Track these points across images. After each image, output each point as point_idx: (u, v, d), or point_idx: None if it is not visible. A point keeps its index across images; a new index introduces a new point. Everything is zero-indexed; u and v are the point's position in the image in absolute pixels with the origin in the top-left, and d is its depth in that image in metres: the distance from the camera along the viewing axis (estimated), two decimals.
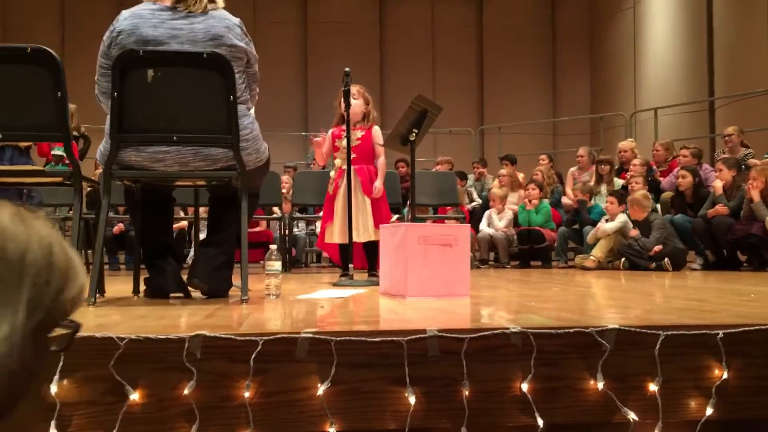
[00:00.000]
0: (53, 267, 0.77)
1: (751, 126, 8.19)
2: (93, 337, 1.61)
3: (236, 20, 2.74)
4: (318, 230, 6.12)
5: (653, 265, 6.05)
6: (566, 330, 1.72)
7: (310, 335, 1.66)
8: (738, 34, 9.91)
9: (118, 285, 3.82)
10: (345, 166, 4.28)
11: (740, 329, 1.73)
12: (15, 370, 0.70)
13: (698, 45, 10.98)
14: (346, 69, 4.03)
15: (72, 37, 12.28)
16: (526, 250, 7.46)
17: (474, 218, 8.34)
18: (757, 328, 1.74)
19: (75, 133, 7.71)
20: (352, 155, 4.28)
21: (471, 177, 9.39)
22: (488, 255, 7.80)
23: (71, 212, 6.54)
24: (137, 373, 1.63)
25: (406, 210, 6.76)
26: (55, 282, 0.77)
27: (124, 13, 2.67)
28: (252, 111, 3.11)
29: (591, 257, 6.50)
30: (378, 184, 4.53)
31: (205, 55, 2.55)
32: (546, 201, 7.79)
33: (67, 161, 3.51)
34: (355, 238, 4.27)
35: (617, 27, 13.06)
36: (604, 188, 7.55)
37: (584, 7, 14.28)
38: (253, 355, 1.62)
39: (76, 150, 7.46)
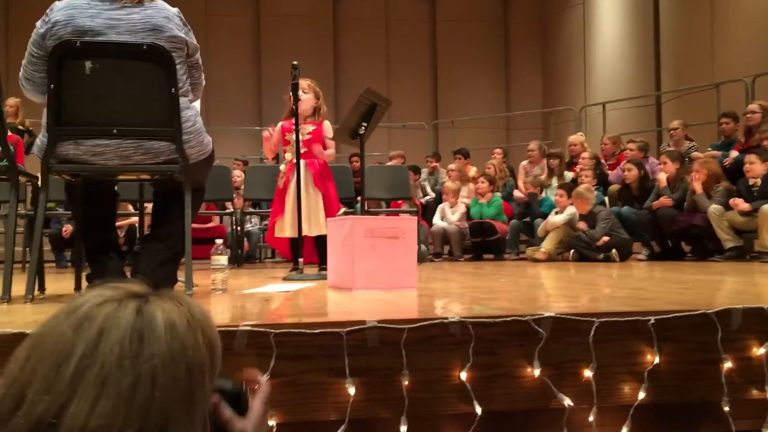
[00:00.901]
0: (215, 363, 0.82)
1: (696, 120, 8.43)
2: (23, 333, 1.57)
3: (174, 10, 2.69)
4: None
5: (601, 256, 6.18)
6: (504, 319, 1.74)
7: (249, 328, 1.65)
8: (683, 30, 10.16)
9: (62, 282, 3.73)
10: (296, 160, 4.25)
11: (671, 315, 1.79)
12: None
13: (645, 41, 11.24)
14: (294, 62, 4.00)
15: (15, 29, 11.91)
16: (479, 242, 7.54)
17: (427, 212, 8.39)
18: (687, 314, 1.80)
19: (20, 128, 7.50)
20: (303, 149, 4.26)
21: (425, 171, 9.44)
22: (442, 248, 7.86)
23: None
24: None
25: (359, 205, 6.76)
26: (215, 372, 0.82)
27: (59, 3, 2.60)
28: (197, 104, 3.07)
29: (541, 249, 6.61)
30: (316, 149, 4.47)
31: (144, 47, 2.50)
32: (498, 194, 7.88)
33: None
34: (305, 232, 4.24)
35: (567, 23, 13.27)
36: (555, 181, 7.68)
37: (535, 2, 14.46)
38: None
39: (21, 145, 7.26)
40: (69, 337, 0.72)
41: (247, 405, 0.95)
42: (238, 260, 6.71)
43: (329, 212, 4.42)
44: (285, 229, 4.46)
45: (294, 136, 4.21)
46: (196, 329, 0.77)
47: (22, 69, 2.62)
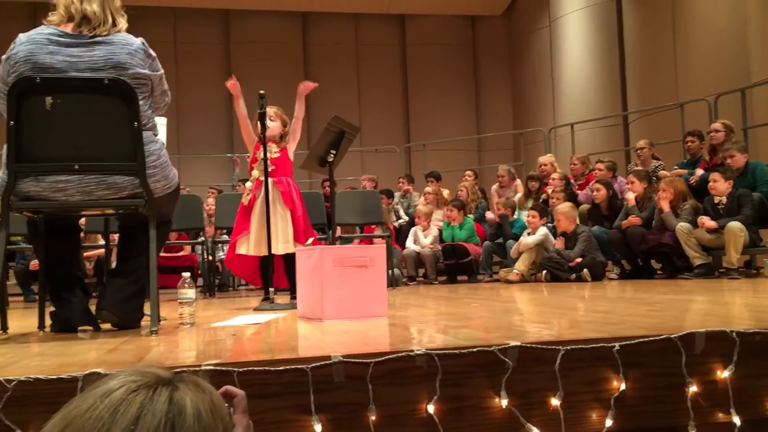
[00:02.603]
0: None
1: (662, 139, 8.57)
2: None
3: (138, 42, 2.66)
4: None
5: (573, 276, 6.22)
6: (470, 350, 1.74)
7: (212, 367, 1.62)
8: (647, 51, 10.38)
9: (26, 320, 3.65)
10: (263, 178, 4.19)
11: (635, 341, 1.80)
12: None
13: (611, 62, 11.46)
14: (261, 92, 4.00)
15: None
16: (452, 265, 7.55)
17: (401, 235, 8.39)
18: (651, 339, 1.81)
19: None
20: (271, 167, 4.22)
21: (397, 194, 9.46)
22: (416, 272, 7.85)
23: None
24: (28, 416, 1.56)
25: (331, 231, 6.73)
26: None
27: (21, 37, 2.57)
28: (162, 135, 3.05)
29: (514, 271, 6.64)
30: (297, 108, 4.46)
31: (106, 81, 2.48)
32: (470, 217, 7.92)
33: None
34: (273, 250, 4.16)
35: (534, 45, 13.48)
36: (531, 203, 7.73)
37: (503, 25, 14.69)
38: None
39: None
40: (106, 420, 0.78)
41: (231, 421, 1.01)
42: (210, 289, 6.63)
43: (297, 231, 4.36)
44: (250, 246, 4.35)
45: (261, 154, 4.16)
46: (216, 417, 0.85)
47: None
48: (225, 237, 7.87)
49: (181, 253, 7.80)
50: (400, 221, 8.89)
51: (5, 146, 2.52)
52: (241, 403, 1.10)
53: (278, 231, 4.29)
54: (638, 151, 7.63)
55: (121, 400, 0.80)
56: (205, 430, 0.82)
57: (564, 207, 6.67)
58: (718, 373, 1.83)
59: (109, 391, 0.81)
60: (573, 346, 1.77)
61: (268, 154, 4.20)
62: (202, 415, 0.83)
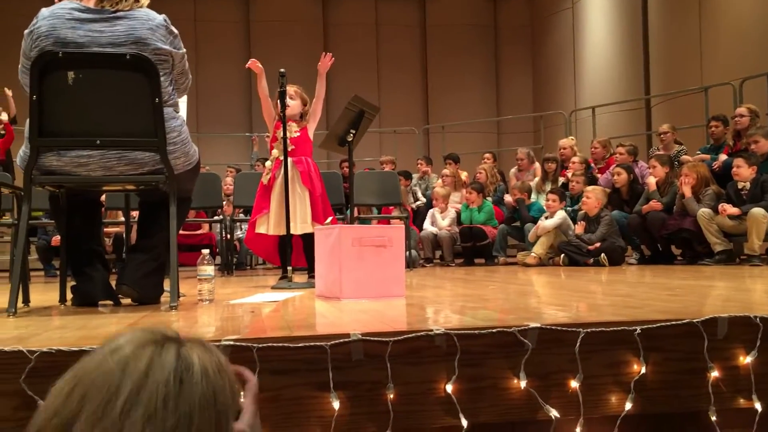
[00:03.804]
0: (236, 406, 0.92)
1: (685, 123, 8.46)
2: (2, 351, 1.55)
3: (160, 18, 2.65)
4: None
5: (591, 260, 6.18)
6: (489, 330, 1.73)
7: (231, 342, 1.63)
8: (672, 34, 10.21)
9: (48, 294, 3.70)
10: (282, 157, 4.19)
11: (657, 325, 1.78)
12: None
13: (634, 44, 11.28)
14: (281, 70, 3.99)
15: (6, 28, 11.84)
16: (469, 247, 7.53)
17: (418, 217, 8.38)
18: (673, 323, 1.79)
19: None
20: (291, 147, 4.21)
21: (415, 176, 9.43)
22: (433, 254, 7.85)
23: (5, 218, 6.32)
24: (50, 387, 1.57)
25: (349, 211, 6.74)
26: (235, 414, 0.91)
27: (44, 12, 2.57)
28: (183, 112, 3.05)
29: (532, 254, 6.61)
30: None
31: (128, 56, 2.48)
32: (488, 199, 7.88)
33: None
34: (292, 230, 4.17)
35: (557, 27, 13.30)
36: (549, 186, 7.68)
37: (525, 6, 14.50)
38: None
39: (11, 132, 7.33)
40: (117, 375, 0.78)
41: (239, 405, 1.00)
42: (228, 268, 6.68)
43: (316, 210, 4.37)
44: (269, 226, 4.38)
45: (282, 133, 4.16)
46: (224, 376, 0.85)
47: (21, 81, 2.61)
48: (242, 216, 7.92)
49: (199, 232, 7.85)
50: (418, 203, 8.87)
51: (27, 121, 2.54)
52: (252, 389, 1.07)
53: (297, 211, 4.30)
54: (661, 136, 7.53)
55: (130, 355, 0.80)
56: (212, 387, 0.82)
57: (596, 188, 6.61)
58: (741, 358, 1.81)
59: (118, 348, 0.81)
60: (594, 329, 1.75)
61: (288, 134, 4.19)
62: (209, 371, 0.83)
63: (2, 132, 7.97)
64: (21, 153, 2.61)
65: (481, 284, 4.07)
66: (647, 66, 11.09)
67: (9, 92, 8.13)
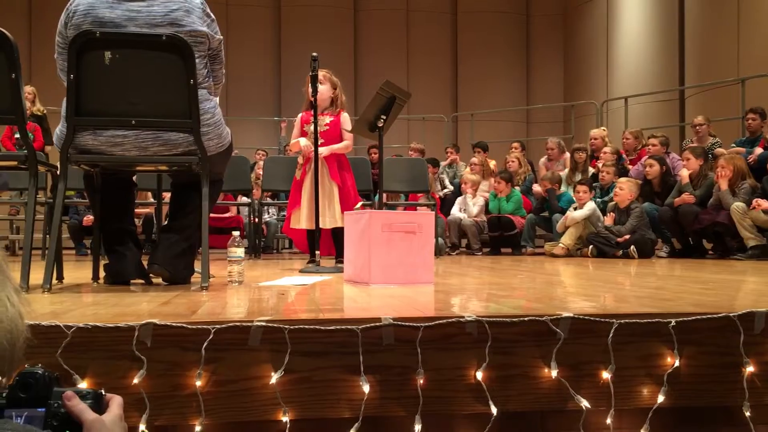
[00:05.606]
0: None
1: (719, 115, 8.29)
2: (39, 325, 1.57)
3: (197, 1, 2.67)
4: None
5: (620, 252, 6.12)
6: (521, 318, 1.72)
7: (263, 324, 1.64)
8: (708, 24, 10.00)
9: (81, 271, 3.76)
10: (313, 149, 4.22)
11: (692, 318, 1.75)
12: None
13: (670, 34, 11.07)
14: (314, 54, 3.98)
15: (40, 16, 11.99)
16: (497, 237, 7.50)
17: (445, 205, 8.35)
18: (709, 317, 1.76)
19: (38, 113, 7.58)
20: (321, 140, 4.25)
21: (443, 164, 9.39)
22: (459, 241, 7.82)
23: (38, 197, 6.42)
24: (86, 362, 1.60)
25: (377, 197, 6.74)
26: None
27: None
28: (216, 96, 3.06)
29: (560, 245, 6.56)
30: (325, 151, 4.39)
31: (164, 38, 2.49)
32: (517, 189, 7.83)
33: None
34: (321, 225, 4.23)
35: (590, 15, 13.10)
36: (579, 176, 7.59)
37: None
38: (205, 344, 1.60)
39: (39, 131, 7.32)
40: None
41: (105, 407, 1.01)
42: (256, 251, 6.72)
43: (346, 205, 4.40)
44: (301, 220, 4.46)
45: (312, 127, 4.19)
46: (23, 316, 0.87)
47: (57, 62, 2.64)
48: (269, 200, 7.96)
49: (227, 215, 7.90)
50: (445, 191, 8.84)
51: (64, 100, 2.57)
52: (117, 400, 1.04)
53: (325, 206, 4.36)
54: (696, 128, 7.40)
55: None
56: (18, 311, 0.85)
57: (630, 179, 6.53)
58: None
59: None
60: (627, 320, 1.73)
61: (318, 128, 4.22)
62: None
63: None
64: (57, 131, 2.64)
65: (508, 273, 4.05)
66: (682, 56, 10.88)
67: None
